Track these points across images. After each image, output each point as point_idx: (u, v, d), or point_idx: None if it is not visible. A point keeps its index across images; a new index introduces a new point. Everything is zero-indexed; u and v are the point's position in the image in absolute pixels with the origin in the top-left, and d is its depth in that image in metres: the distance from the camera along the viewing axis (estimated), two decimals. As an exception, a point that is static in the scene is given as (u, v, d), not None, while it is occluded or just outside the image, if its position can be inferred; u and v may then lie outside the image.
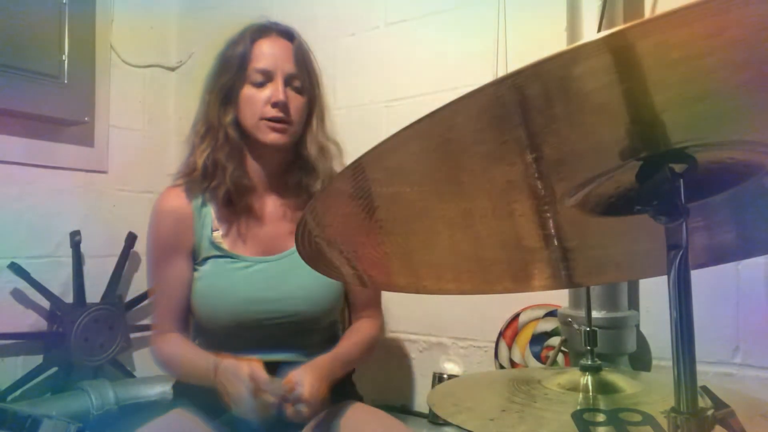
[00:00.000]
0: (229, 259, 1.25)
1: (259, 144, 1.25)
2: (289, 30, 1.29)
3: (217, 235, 1.26)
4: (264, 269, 1.25)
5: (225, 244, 1.26)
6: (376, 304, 1.40)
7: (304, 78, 1.27)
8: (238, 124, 1.26)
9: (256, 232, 1.29)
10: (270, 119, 1.22)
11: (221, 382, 1.08)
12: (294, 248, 1.23)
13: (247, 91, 1.24)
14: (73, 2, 1.84)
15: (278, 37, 1.27)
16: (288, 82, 1.24)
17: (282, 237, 1.29)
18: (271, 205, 1.31)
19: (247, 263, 1.25)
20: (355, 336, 1.32)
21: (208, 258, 1.25)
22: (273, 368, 1.17)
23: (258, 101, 1.23)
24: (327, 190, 0.57)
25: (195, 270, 1.26)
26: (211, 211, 1.27)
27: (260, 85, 1.23)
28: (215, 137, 1.25)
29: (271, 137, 1.23)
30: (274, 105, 1.22)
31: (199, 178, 1.25)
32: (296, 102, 1.25)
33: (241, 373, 1.05)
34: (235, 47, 1.26)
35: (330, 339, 1.31)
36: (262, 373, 1.05)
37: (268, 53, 1.25)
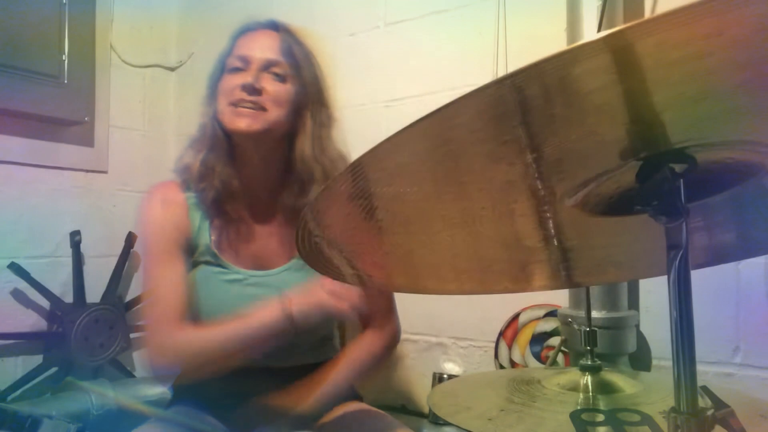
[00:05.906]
0: (220, 269, 1.17)
1: (236, 137, 1.14)
2: (275, 22, 1.21)
3: (212, 240, 1.18)
4: (259, 284, 1.18)
5: (217, 251, 1.18)
6: (385, 312, 1.27)
7: (289, 67, 1.16)
8: (218, 117, 1.16)
9: (249, 242, 1.20)
10: (237, 104, 1.12)
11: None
12: (288, 264, 1.21)
13: (224, 79, 1.16)
14: (73, 2, 1.84)
15: (263, 30, 1.20)
16: (266, 67, 1.14)
17: (276, 251, 1.21)
18: (265, 213, 1.22)
19: (241, 276, 1.18)
20: (348, 359, 1.22)
21: (200, 262, 1.18)
22: (265, 373, 1.15)
23: (229, 87, 1.14)
24: (327, 190, 0.57)
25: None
26: (204, 214, 1.19)
27: (235, 71, 1.15)
28: (205, 137, 1.17)
29: (239, 123, 1.11)
30: (243, 88, 1.11)
31: (194, 180, 1.17)
32: (275, 88, 1.13)
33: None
34: (226, 46, 1.21)
35: (323, 346, 1.27)
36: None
37: (248, 42, 1.18)
